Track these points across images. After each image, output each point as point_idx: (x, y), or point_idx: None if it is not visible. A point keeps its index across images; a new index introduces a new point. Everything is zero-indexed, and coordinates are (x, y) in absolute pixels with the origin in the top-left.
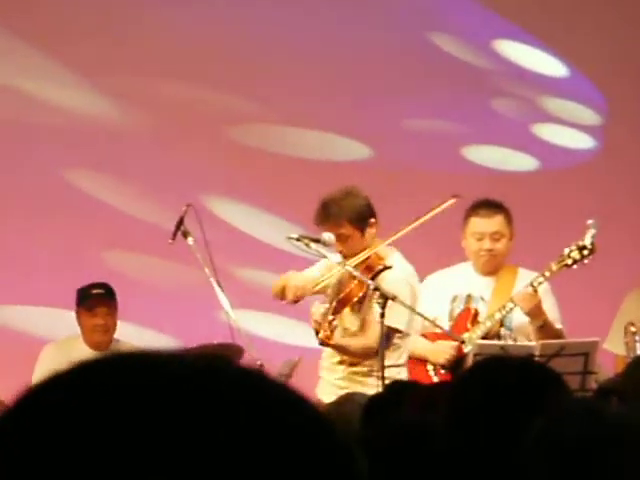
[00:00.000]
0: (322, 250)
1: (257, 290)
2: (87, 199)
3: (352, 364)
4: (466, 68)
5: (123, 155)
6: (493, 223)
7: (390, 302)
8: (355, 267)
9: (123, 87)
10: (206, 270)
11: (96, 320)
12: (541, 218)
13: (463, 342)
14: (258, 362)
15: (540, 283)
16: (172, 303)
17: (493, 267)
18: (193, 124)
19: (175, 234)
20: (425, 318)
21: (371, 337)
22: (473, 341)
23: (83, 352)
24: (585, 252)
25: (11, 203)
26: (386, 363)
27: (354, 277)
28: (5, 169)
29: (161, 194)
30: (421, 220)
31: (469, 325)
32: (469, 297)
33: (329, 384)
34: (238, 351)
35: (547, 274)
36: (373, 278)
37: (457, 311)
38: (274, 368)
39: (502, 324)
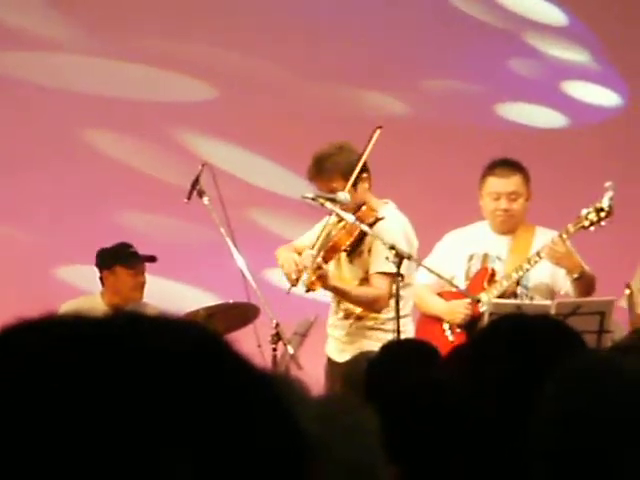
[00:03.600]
0: (337, 209)
1: (274, 246)
2: (104, 159)
3: (358, 318)
4: (482, 26)
5: (139, 116)
6: (510, 183)
7: (381, 248)
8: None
9: (132, 48)
10: (222, 230)
11: (139, 278)
12: (567, 175)
13: (479, 301)
14: (274, 322)
15: (562, 238)
16: (188, 263)
17: (509, 227)
18: (207, 82)
19: (191, 193)
20: (441, 277)
21: (378, 288)
22: (489, 300)
23: (102, 311)
24: (602, 214)
25: (30, 163)
26: (390, 315)
27: (344, 227)
28: (25, 130)
29: (176, 153)
30: (362, 159)
31: (485, 284)
32: (486, 256)
33: (337, 341)
34: (254, 310)
35: (564, 235)
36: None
37: (473, 270)
38: (290, 327)
39: (519, 283)
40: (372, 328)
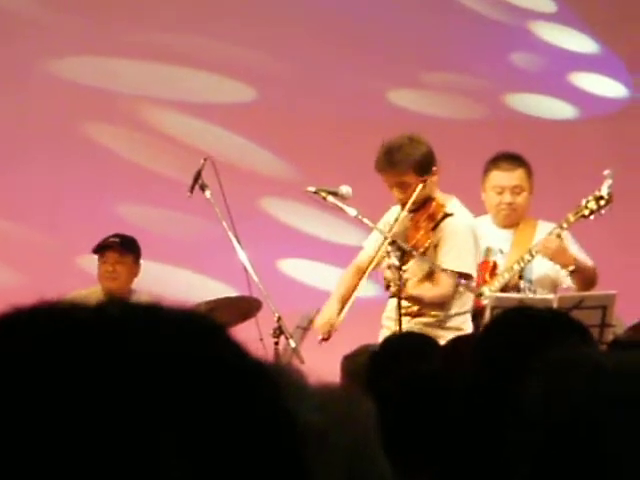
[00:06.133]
0: (339, 203)
1: (285, 237)
2: (106, 153)
3: (417, 315)
4: (484, 19)
5: (142, 110)
6: (514, 177)
7: (456, 246)
8: (418, 214)
9: (130, 42)
10: (224, 224)
11: (106, 266)
12: (574, 166)
13: (481, 295)
14: (276, 315)
15: (558, 235)
16: (190, 257)
17: (513, 221)
18: (209, 74)
19: (193, 187)
20: (444, 270)
21: (445, 286)
22: (491, 293)
23: (96, 299)
24: (602, 202)
25: (31, 157)
26: (452, 312)
27: (419, 227)
28: (25, 122)
29: (179, 147)
30: None
31: (487, 277)
32: (488, 250)
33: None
34: (256, 304)
35: (564, 225)
36: (436, 226)
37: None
38: (293, 320)
39: (521, 277)
40: (431, 325)
